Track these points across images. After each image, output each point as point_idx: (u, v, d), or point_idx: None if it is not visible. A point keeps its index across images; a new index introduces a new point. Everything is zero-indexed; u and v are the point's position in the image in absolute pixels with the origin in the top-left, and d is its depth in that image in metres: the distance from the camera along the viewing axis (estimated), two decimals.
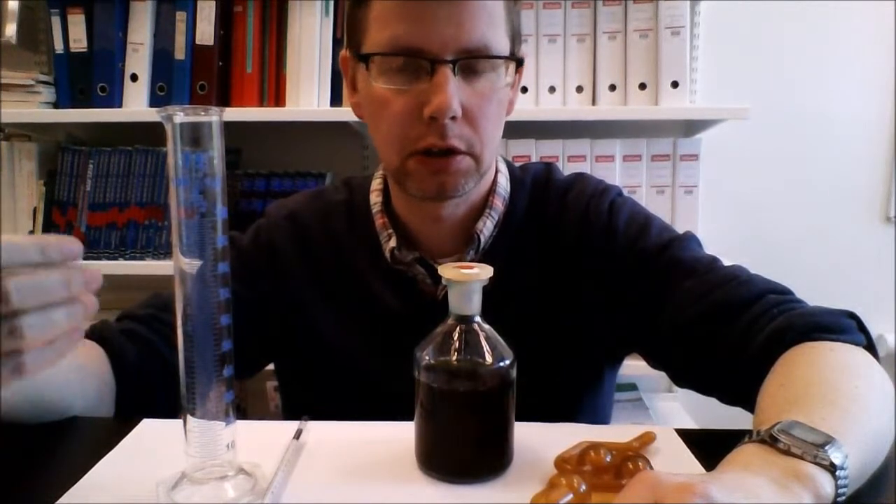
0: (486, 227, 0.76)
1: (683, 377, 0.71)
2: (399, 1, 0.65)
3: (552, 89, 1.48)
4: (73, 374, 0.65)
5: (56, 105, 1.50)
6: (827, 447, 0.42)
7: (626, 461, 0.51)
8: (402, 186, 0.73)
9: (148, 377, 0.70)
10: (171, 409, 0.72)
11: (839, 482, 0.41)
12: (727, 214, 1.66)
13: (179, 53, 1.46)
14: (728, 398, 0.66)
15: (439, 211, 0.74)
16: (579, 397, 0.79)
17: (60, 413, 0.63)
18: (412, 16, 0.64)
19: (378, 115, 0.70)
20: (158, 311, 0.75)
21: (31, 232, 1.53)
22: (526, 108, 1.45)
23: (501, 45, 0.68)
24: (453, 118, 0.66)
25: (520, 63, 0.71)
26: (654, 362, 0.74)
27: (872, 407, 0.51)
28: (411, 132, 0.67)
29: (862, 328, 0.62)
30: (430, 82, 0.65)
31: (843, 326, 0.60)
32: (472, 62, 0.66)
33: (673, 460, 0.55)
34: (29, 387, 0.59)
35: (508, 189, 0.79)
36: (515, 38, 0.71)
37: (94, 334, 0.71)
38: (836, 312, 0.62)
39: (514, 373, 0.53)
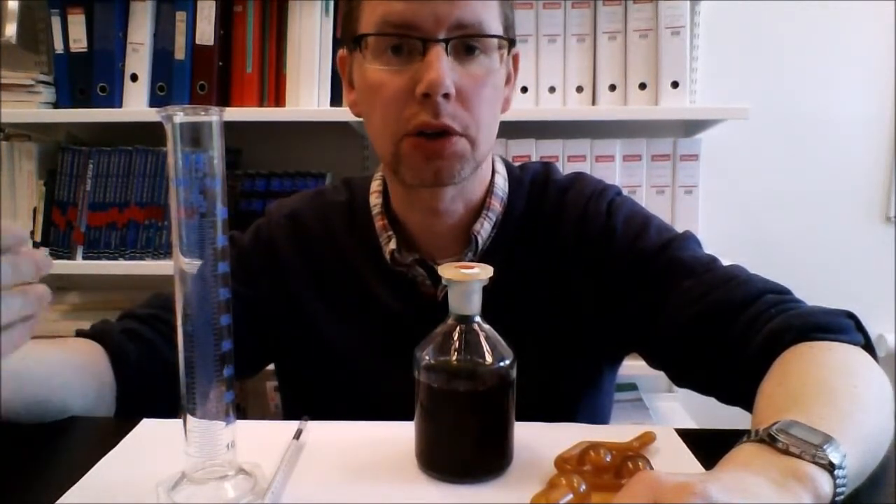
0: (484, 229, 0.76)
1: (682, 377, 0.71)
2: None
3: (552, 89, 1.48)
4: (71, 375, 0.65)
5: (56, 105, 1.50)
6: (825, 446, 0.42)
7: (626, 461, 0.51)
8: (397, 175, 0.72)
9: (148, 377, 0.70)
10: (171, 408, 0.72)
11: (838, 481, 0.41)
12: (727, 214, 1.66)
13: (179, 53, 1.46)
14: (727, 398, 0.66)
15: (437, 203, 0.73)
16: (579, 397, 0.79)
17: (58, 413, 0.63)
18: None
19: (372, 100, 0.70)
20: (159, 310, 0.74)
21: (31, 232, 1.53)
22: (526, 108, 1.45)
23: (495, 27, 0.68)
24: (446, 96, 0.65)
25: (512, 44, 0.71)
26: (654, 362, 0.74)
27: (870, 406, 0.51)
28: (405, 112, 0.67)
29: (860, 328, 0.62)
30: (423, 61, 0.65)
31: (842, 326, 0.60)
32: (465, 41, 0.66)
33: (673, 460, 0.55)
34: (25, 386, 0.59)
35: (506, 189, 0.79)
36: (509, 28, 0.71)
37: (95, 334, 0.71)
38: (834, 312, 0.62)
39: (514, 373, 0.53)
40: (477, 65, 0.68)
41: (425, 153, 0.68)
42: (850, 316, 0.62)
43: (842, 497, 0.42)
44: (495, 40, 0.69)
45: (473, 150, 0.70)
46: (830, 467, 0.41)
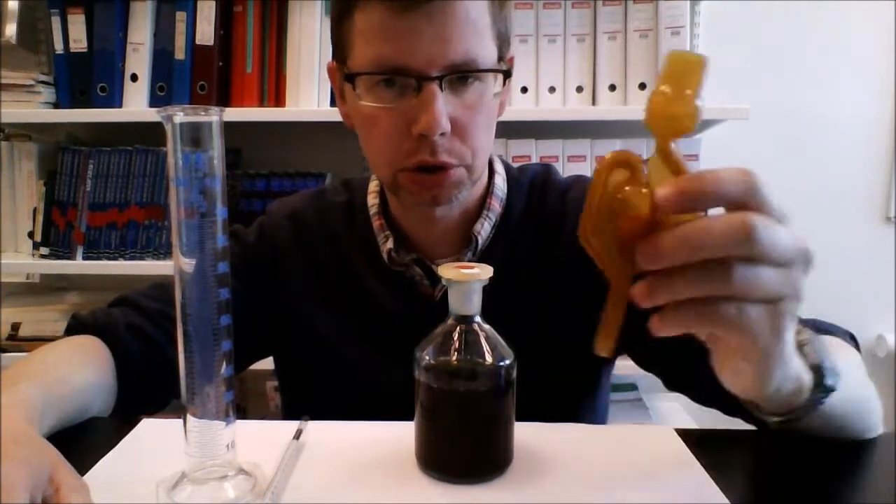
0: (484, 229, 0.76)
1: (678, 381, 0.71)
2: (383, 18, 0.63)
3: (552, 89, 1.47)
4: (98, 391, 0.65)
5: (56, 105, 1.50)
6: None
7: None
8: (395, 197, 0.73)
9: (149, 377, 0.70)
10: (169, 406, 0.72)
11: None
12: None
13: (179, 53, 1.46)
14: (727, 409, 0.66)
15: (433, 214, 0.74)
16: (579, 397, 0.80)
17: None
18: (396, 34, 0.63)
19: (367, 131, 0.69)
20: (166, 305, 0.74)
21: (31, 232, 1.53)
22: (526, 108, 1.44)
23: (488, 55, 0.66)
24: (443, 134, 0.65)
25: (507, 75, 0.70)
26: (649, 364, 0.74)
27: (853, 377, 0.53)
28: (401, 149, 0.67)
29: (856, 346, 0.63)
30: (418, 99, 0.64)
31: (838, 333, 0.62)
32: (459, 76, 0.65)
33: (673, 460, 0.55)
34: (67, 415, 0.59)
35: (505, 190, 0.79)
36: (503, 42, 0.69)
37: (98, 328, 0.71)
38: (836, 326, 0.64)
39: (514, 373, 0.53)
40: (471, 93, 0.66)
41: (423, 184, 0.68)
42: (851, 337, 0.64)
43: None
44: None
45: (470, 175, 0.70)
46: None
